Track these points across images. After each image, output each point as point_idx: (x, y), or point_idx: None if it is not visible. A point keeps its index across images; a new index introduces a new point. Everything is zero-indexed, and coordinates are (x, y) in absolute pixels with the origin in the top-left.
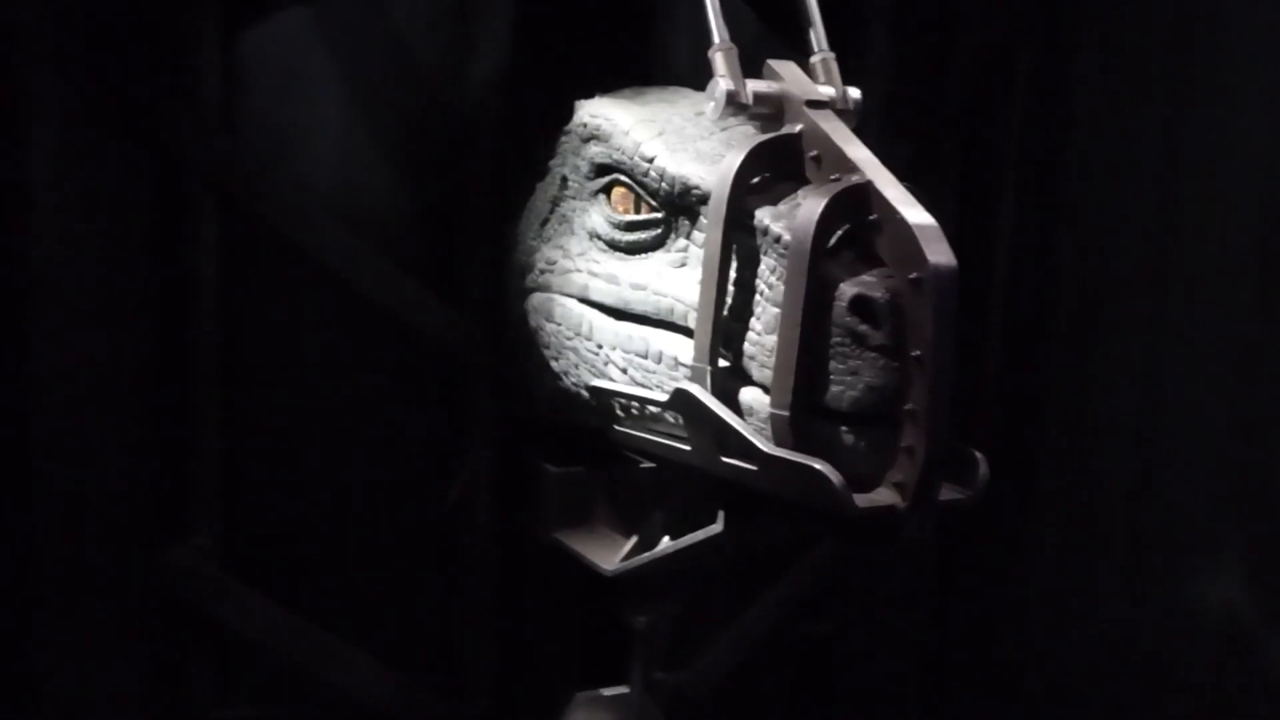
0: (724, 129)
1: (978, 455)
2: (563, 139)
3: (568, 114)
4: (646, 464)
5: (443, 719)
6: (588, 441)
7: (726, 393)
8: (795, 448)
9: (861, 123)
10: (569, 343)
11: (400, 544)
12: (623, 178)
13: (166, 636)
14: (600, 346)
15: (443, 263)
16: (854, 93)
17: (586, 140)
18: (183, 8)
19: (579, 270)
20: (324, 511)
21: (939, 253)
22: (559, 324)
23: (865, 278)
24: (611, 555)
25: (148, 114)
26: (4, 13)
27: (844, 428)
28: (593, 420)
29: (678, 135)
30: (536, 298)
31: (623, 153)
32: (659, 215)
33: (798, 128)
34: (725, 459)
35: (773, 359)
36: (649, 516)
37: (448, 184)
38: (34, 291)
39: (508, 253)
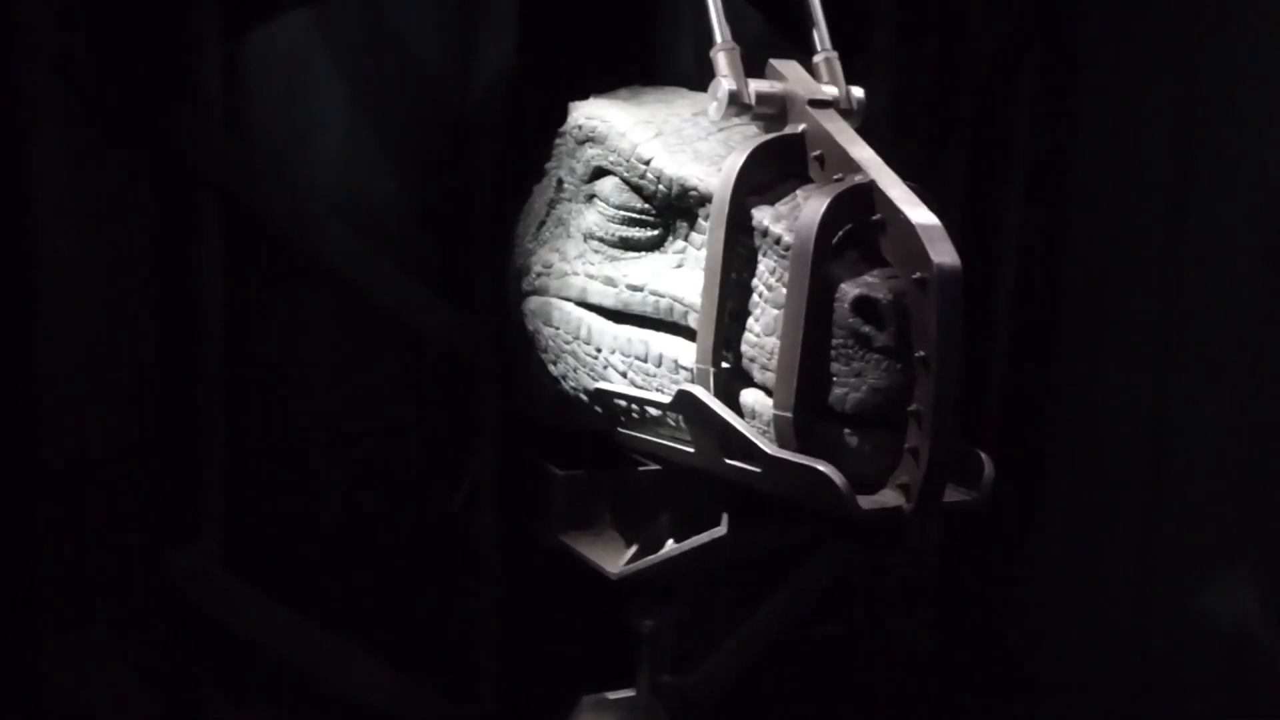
0: (723, 129)
1: (983, 456)
2: (558, 141)
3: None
4: (651, 466)
5: None
6: (592, 444)
7: (729, 394)
8: (799, 449)
9: (868, 124)
10: (567, 347)
11: (405, 547)
12: (619, 180)
13: (171, 640)
14: (599, 350)
15: (446, 264)
16: (857, 92)
17: (582, 142)
18: (186, 8)
19: (576, 273)
20: (329, 514)
21: (943, 252)
22: (557, 328)
23: (868, 278)
24: (616, 558)
25: (151, 115)
26: (7, 13)
27: (848, 429)
28: (594, 423)
29: (676, 136)
30: (534, 301)
31: (619, 154)
32: (654, 216)
33: (800, 127)
34: (729, 461)
35: (773, 361)
36: (654, 519)
37: (451, 185)
38: (38, 293)
39: (506, 256)
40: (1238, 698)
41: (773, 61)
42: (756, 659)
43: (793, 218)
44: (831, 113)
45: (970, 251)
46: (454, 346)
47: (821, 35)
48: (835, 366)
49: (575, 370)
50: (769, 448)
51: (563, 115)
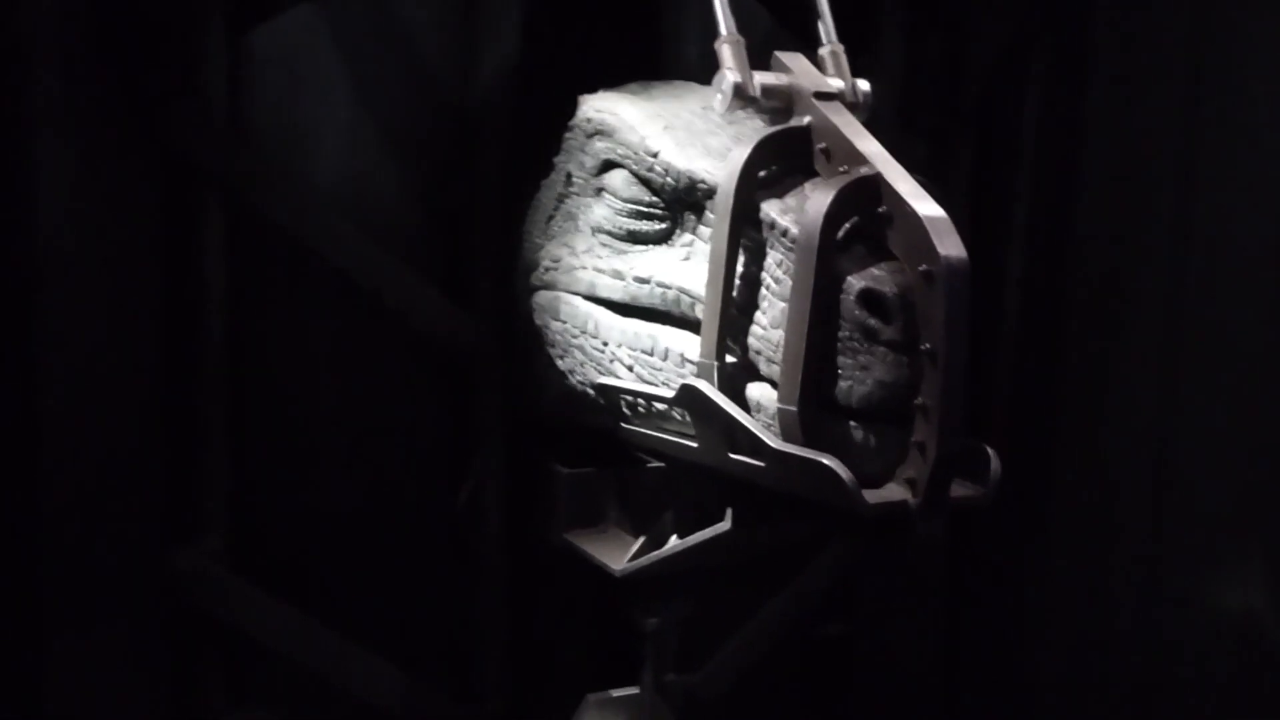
0: (733, 123)
1: (990, 451)
2: (567, 135)
3: (574, 110)
4: (656, 464)
5: None
6: (597, 442)
7: (734, 388)
8: (805, 444)
9: (875, 119)
10: (575, 341)
11: (410, 545)
12: (628, 173)
13: (175, 640)
14: (606, 344)
15: (451, 262)
16: (863, 85)
17: (591, 136)
18: (189, 6)
19: (584, 267)
20: (333, 513)
21: (950, 245)
22: (565, 322)
23: (875, 271)
24: (620, 555)
25: (154, 113)
26: (10, 12)
27: (854, 424)
28: (600, 419)
29: (685, 130)
30: (542, 296)
31: (628, 148)
32: (663, 210)
33: (806, 120)
34: (734, 456)
35: (779, 354)
36: (659, 516)
37: (456, 183)
38: (40, 291)
39: (514, 251)
40: (1244, 696)
41: (778, 54)
42: (761, 658)
43: (799, 210)
44: (837, 105)
45: (976, 246)
46: (458, 344)
47: (827, 28)
48: (841, 360)
49: (582, 365)
50: (774, 442)
51: (568, 110)
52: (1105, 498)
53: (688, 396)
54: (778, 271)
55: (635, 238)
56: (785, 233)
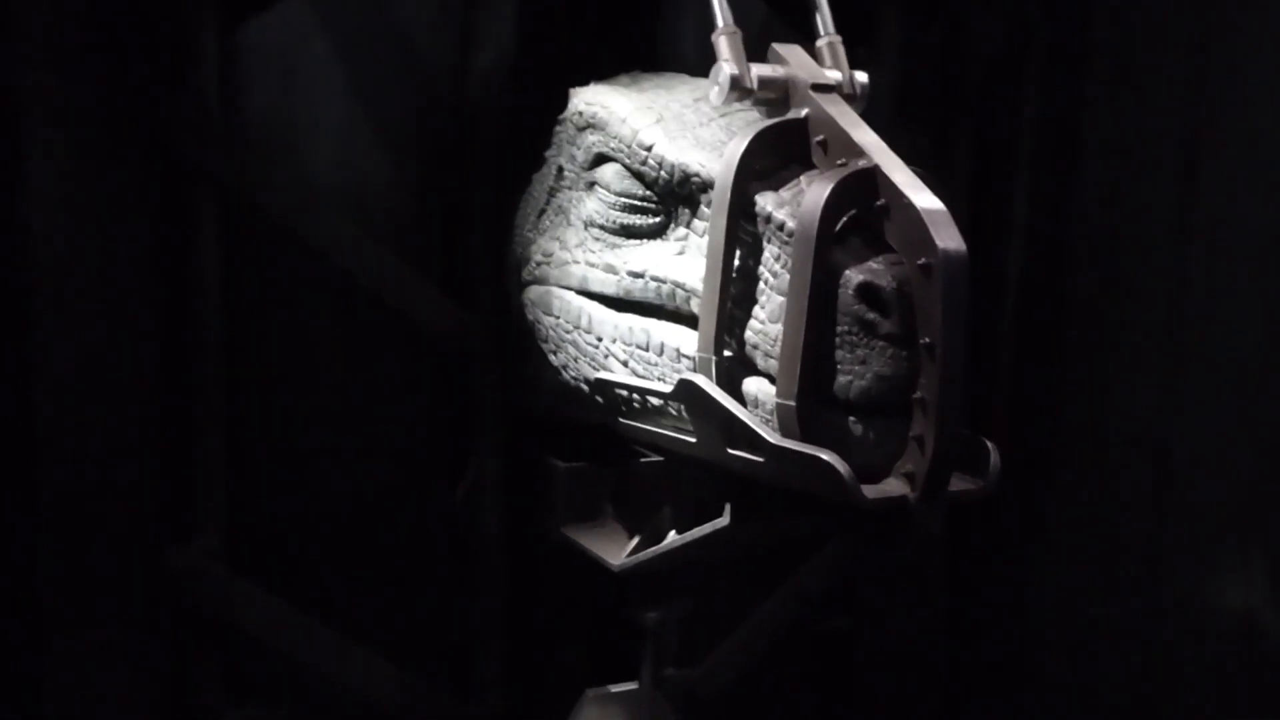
0: (725, 115)
1: (989, 445)
2: (558, 129)
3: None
4: (653, 458)
5: (452, 718)
6: (595, 436)
7: (731, 383)
8: (802, 438)
9: (872, 112)
10: (568, 336)
11: (408, 542)
12: (620, 166)
13: (173, 638)
14: (600, 339)
15: (448, 257)
16: (861, 77)
17: (582, 129)
18: (182, 1)
19: (576, 262)
20: (331, 510)
21: (948, 238)
22: (558, 317)
23: (872, 264)
24: (618, 550)
25: (148, 109)
26: (3, 9)
27: (852, 418)
28: (595, 414)
29: (677, 122)
30: (534, 291)
31: (620, 141)
32: (656, 203)
33: (803, 112)
34: (731, 451)
35: (777, 348)
36: (656, 511)
37: (452, 177)
38: (35, 290)
39: (506, 246)
40: (1244, 696)
41: (775, 46)
42: (761, 653)
43: (796, 203)
44: (835, 97)
45: (976, 239)
46: (455, 340)
47: (825, 20)
48: (839, 354)
49: (576, 360)
50: (772, 437)
51: (563, 104)
52: (1105, 497)
53: (685, 391)
54: (775, 265)
55: (628, 232)
56: (782, 226)
